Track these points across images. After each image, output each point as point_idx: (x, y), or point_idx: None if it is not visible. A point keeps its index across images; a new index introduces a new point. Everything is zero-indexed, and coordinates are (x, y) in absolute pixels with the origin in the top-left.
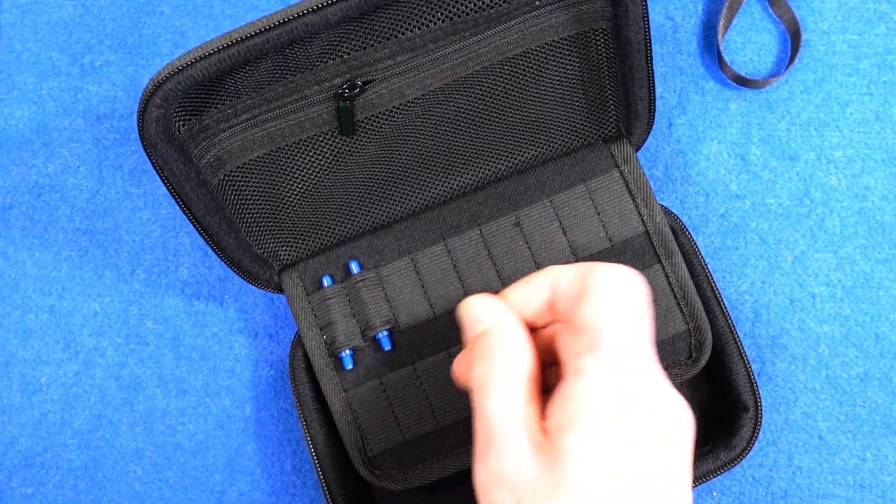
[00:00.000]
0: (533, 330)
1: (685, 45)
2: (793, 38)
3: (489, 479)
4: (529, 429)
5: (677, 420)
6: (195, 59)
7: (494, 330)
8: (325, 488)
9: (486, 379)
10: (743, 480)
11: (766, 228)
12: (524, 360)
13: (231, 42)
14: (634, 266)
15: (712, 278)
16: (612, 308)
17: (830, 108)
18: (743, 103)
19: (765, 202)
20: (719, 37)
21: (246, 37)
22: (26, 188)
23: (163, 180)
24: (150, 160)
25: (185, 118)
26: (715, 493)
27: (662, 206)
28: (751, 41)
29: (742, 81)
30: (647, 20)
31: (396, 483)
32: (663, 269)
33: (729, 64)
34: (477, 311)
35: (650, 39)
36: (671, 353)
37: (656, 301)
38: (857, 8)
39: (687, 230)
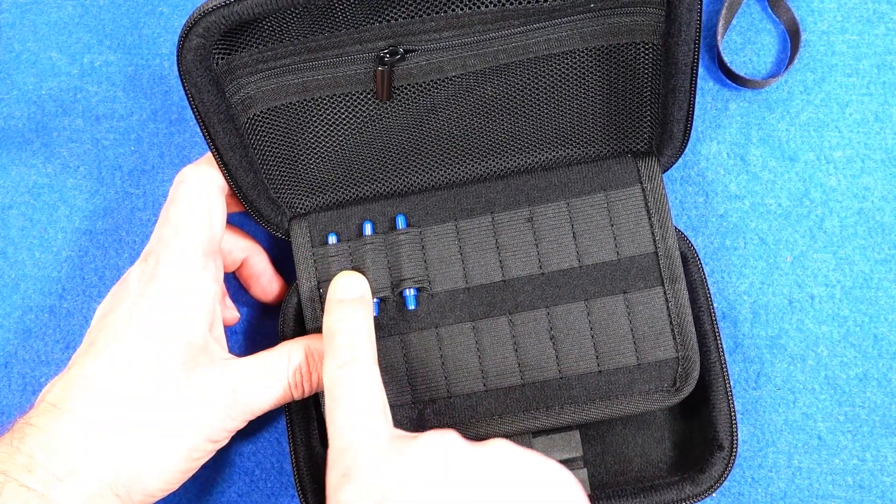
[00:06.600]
0: None
1: None
2: (792, 38)
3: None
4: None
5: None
6: None
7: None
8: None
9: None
10: (742, 481)
11: (765, 229)
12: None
13: None
14: (636, 285)
15: (714, 312)
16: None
17: (830, 109)
18: (742, 103)
19: (764, 202)
20: (719, 37)
21: None
22: (25, 188)
23: (192, 109)
24: (184, 87)
25: (225, 53)
26: (714, 494)
27: (678, 229)
28: (750, 41)
29: (741, 82)
30: (699, 44)
31: None
32: (664, 292)
33: (728, 64)
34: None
35: (698, 63)
36: (655, 377)
37: (651, 323)
38: (857, 8)
39: (698, 259)
